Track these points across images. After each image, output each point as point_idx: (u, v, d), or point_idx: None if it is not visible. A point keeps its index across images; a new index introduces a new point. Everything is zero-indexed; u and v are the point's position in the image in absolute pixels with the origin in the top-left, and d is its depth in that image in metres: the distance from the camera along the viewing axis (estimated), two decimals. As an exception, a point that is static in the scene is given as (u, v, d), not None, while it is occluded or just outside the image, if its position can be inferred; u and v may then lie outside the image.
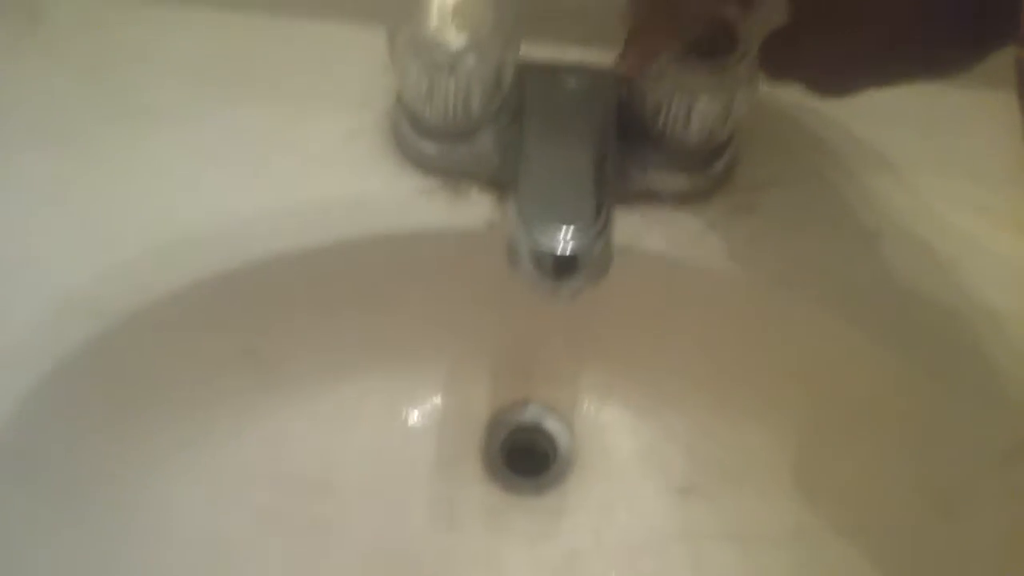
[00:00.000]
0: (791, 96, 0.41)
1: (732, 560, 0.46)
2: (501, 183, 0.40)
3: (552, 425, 0.49)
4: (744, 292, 0.41)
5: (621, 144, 0.39)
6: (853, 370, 0.41)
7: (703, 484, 0.47)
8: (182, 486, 0.43)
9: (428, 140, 0.39)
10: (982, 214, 0.40)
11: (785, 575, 0.45)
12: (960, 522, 0.41)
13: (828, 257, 0.40)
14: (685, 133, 0.37)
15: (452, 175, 0.40)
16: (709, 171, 0.39)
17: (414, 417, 0.48)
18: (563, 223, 0.34)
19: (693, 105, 0.36)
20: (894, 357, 0.40)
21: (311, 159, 0.41)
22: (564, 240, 0.34)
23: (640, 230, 0.41)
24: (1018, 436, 0.37)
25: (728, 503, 0.47)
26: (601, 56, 0.41)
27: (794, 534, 0.45)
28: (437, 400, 0.49)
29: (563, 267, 0.34)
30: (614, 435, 0.49)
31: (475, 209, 0.40)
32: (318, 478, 0.46)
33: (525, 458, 0.49)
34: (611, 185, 0.37)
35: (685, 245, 0.41)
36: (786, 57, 0.30)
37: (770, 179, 0.41)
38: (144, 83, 0.42)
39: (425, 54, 0.35)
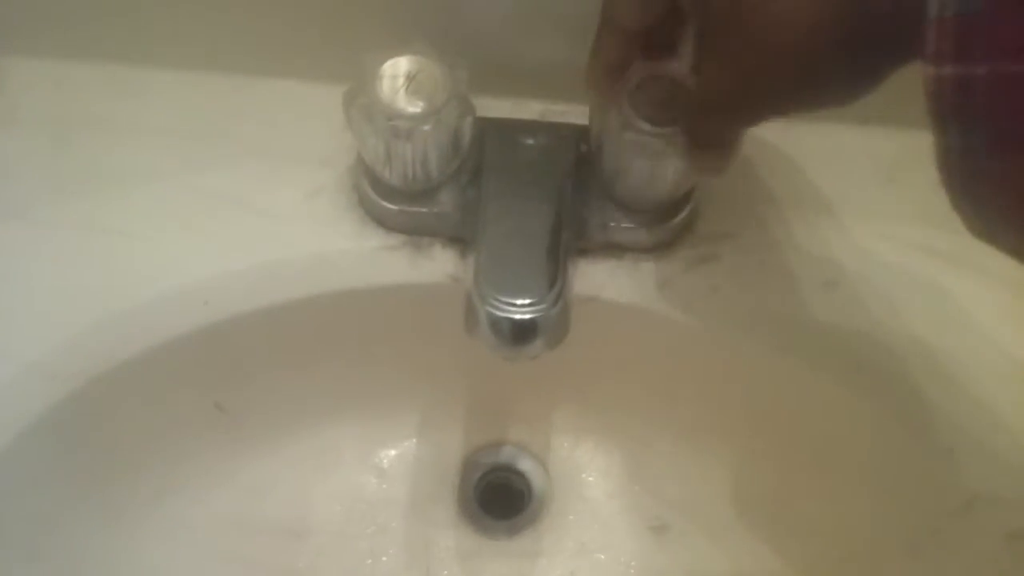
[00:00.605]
0: (746, 150, 0.42)
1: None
2: (463, 239, 0.40)
3: (526, 465, 0.50)
4: (708, 339, 0.42)
5: (582, 198, 0.39)
6: (817, 415, 0.42)
7: (676, 523, 0.48)
8: (153, 541, 0.44)
9: (389, 199, 0.39)
10: (929, 256, 0.41)
11: (759, 610, 0.46)
12: (926, 561, 0.41)
13: (788, 305, 0.40)
14: (644, 191, 0.38)
15: (414, 232, 0.40)
16: (670, 224, 0.40)
17: (387, 462, 0.49)
18: (520, 290, 0.34)
19: (642, 171, 0.36)
20: (857, 402, 0.40)
21: (274, 218, 0.41)
22: (521, 307, 0.34)
23: (604, 281, 0.41)
24: (976, 486, 0.38)
25: (700, 542, 0.47)
26: (561, 112, 0.41)
27: (766, 571, 0.46)
28: (410, 445, 0.49)
29: (521, 333, 0.35)
30: (588, 475, 0.49)
31: (437, 265, 0.40)
32: (291, 526, 0.47)
33: (500, 499, 0.49)
34: (570, 244, 0.37)
35: (648, 295, 0.41)
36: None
37: (729, 230, 0.41)
38: (106, 146, 0.42)
39: (380, 122, 0.35)
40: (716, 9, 0.27)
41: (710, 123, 0.31)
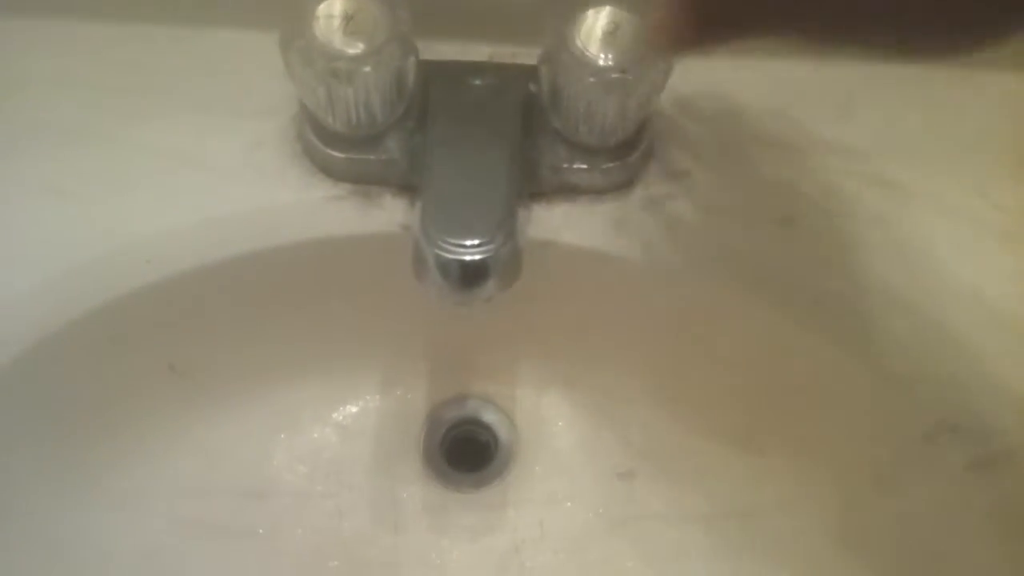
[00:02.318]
0: (700, 87, 0.41)
1: (676, 540, 0.46)
2: (413, 187, 0.39)
3: (491, 417, 0.49)
4: (666, 280, 0.41)
5: (533, 141, 0.38)
6: (778, 353, 0.41)
7: (642, 468, 0.48)
8: (109, 508, 0.43)
9: (335, 147, 0.38)
10: (890, 190, 0.40)
11: (729, 551, 0.46)
12: (892, 494, 0.41)
13: (746, 242, 0.40)
14: (592, 129, 0.37)
15: (362, 181, 0.39)
16: (624, 164, 0.39)
17: (349, 419, 0.48)
18: (468, 231, 0.34)
19: (595, 106, 0.35)
20: (816, 338, 0.40)
21: (217, 172, 0.40)
22: (470, 248, 0.34)
23: (559, 224, 0.40)
24: (937, 415, 0.38)
25: (668, 486, 0.47)
26: (511, 54, 0.40)
27: (734, 512, 0.46)
28: (372, 401, 0.48)
29: (471, 275, 0.34)
30: (553, 425, 0.49)
31: (387, 214, 0.40)
32: (253, 488, 0.46)
33: (466, 452, 0.49)
34: (520, 186, 0.36)
35: (605, 237, 0.40)
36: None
37: (685, 168, 0.41)
38: (37, 103, 0.40)
39: (319, 64, 0.34)
40: None
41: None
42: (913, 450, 0.40)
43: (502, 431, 0.49)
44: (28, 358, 0.38)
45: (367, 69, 0.34)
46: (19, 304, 0.37)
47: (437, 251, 0.33)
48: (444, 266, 0.33)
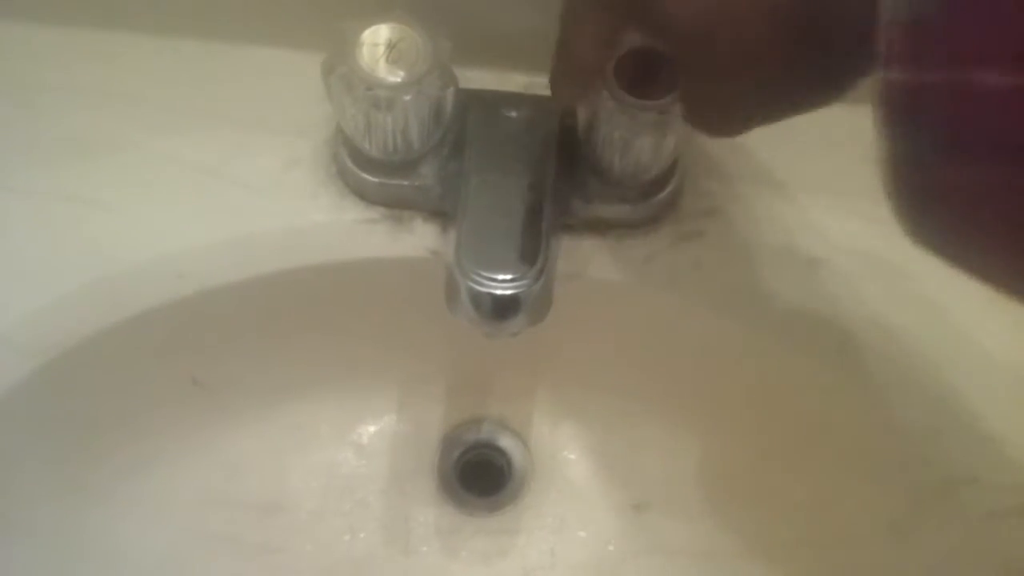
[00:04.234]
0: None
1: (688, 574, 0.46)
2: (444, 213, 0.39)
3: (506, 442, 0.49)
4: (691, 317, 0.41)
5: (565, 173, 0.38)
6: (799, 394, 0.41)
7: (657, 501, 0.48)
8: (129, 513, 0.43)
9: (369, 171, 0.38)
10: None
11: (739, 589, 0.46)
12: (906, 541, 0.41)
13: (771, 283, 0.40)
14: (626, 166, 0.37)
15: (394, 206, 0.39)
16: (654, 200, 0.39)
17: (366, 438, 0.48)
18: (502, 265, 0.34)
19: (632, 142, 0.35)
20: (838, 382, 0.40)
21: (251, 189, 0.40)
22: (503, 282, 0.34)
23: (587, 257, 0.40)
24: (954, 469, 0.38)
25: (682, 519, 0.47)
26: (545, 84, 0.40)
27: (748, 549, 0.46)
28: (389, 421, 0.49)
29: (502, 309, 0.34)
30: (569, 453, 0.49)
31: (418, 239, 0.40)
32: (268, 502, 0.46)
33: (480, 476, 0.49)
34: (552, 220, 0.36)
35: (632, 272, 0.40)
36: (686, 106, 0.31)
37: (714, 206, 0.41)
38: (76, 114, 0.41)
39: (360, 91, 0.34)
40: (678, 32, 0.27)
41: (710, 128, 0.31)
42: (930, 500, 0.40)
43: (516, 456, 0.49)
44: (55, 366, 0.38)
45: (407, 98, 0.35)
46: (50, 313, 0.37)
47: (470, 283, 0.33)
48: (476, 298, 0.33)
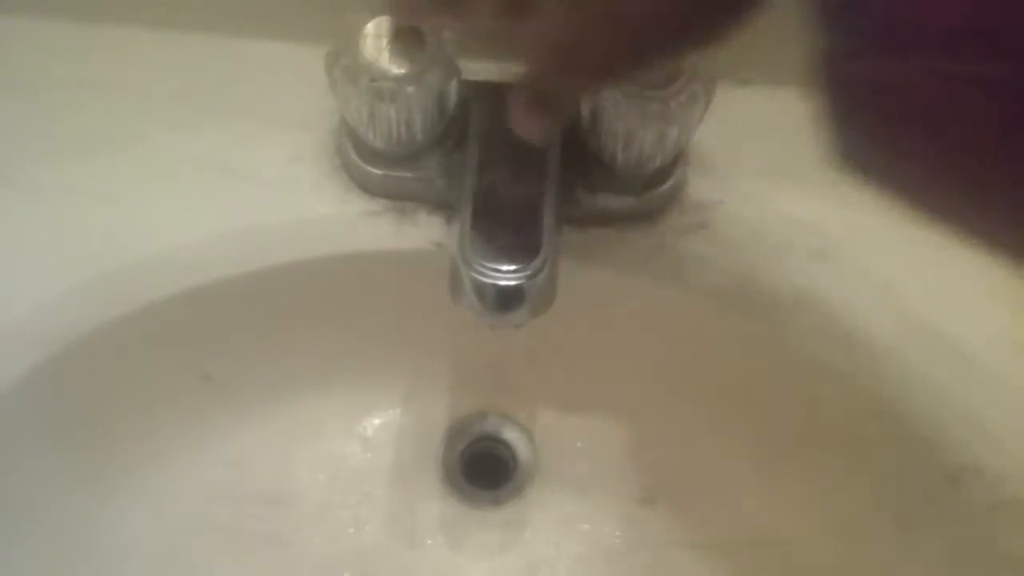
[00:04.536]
0: (736, 116, 0.41)
1: (694, 568, 0.46)
2: (449, 205, 0.39)
3: (511, 434, 0.49)
4: (696, 309, 0.41)
5: (569, 165, 0.38)
6: (806, 387, 0.41)
7: (663, 494, 0.47)
8: (136, 506, 0.43)
9: (373, 163, 0.39)
10: (923, 231, 0.40)
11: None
12: (913, 532, 0.41)
13: (777, 275, 0.40)
14: (629, 157, 0.37)
15: (398, 198, 0.40)
16: (657, 191, 0.39)
17: (371, 431, 0.48)
18: (506, 256, 0.34)
19: (635, 133, 0.35)
20: (845, 375, 0.40)
21: (256, 182, 0.40)
22: (507, 273, 0.34)
23: (591, 249, 0.40)
24: (961, 460, 0.37)
25: (688, 513, 0.47)
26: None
27: (753, 542, 0.46)
28: (394, 413, 0.49)
29: (506, 300, 0.34)
30: (574, 446, 0.49)
31: (422, 231, 0.40)
32: (275, 495, 0.46)
33: (485, 469, 0.49)
34: (557, 211, 0.36)
35: (636, 264, 0.40)
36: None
37: (719, 198, 0.41)
38: (84, 108, 0.41)
39: (363, 83, 0.34)
40: None
41: (563, 78, 0.29)
42: (937, 492, 0.39)
43: (521, 449, 0.49)
44: (63, 359, 0.38)
45: (410, 89, 0.35)
46: (58, 305, 0.38)
47: (474, 274, 0.33)
48: (480, 289, 0.33)
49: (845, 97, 0.20)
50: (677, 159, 0.39)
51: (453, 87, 0.36)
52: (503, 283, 0.34)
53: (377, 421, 0.48)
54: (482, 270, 0.34)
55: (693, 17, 0.25)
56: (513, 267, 0.34)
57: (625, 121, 0.36)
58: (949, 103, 0.18)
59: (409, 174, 0.39)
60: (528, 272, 0.33)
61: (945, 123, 0.18)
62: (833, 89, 0.20)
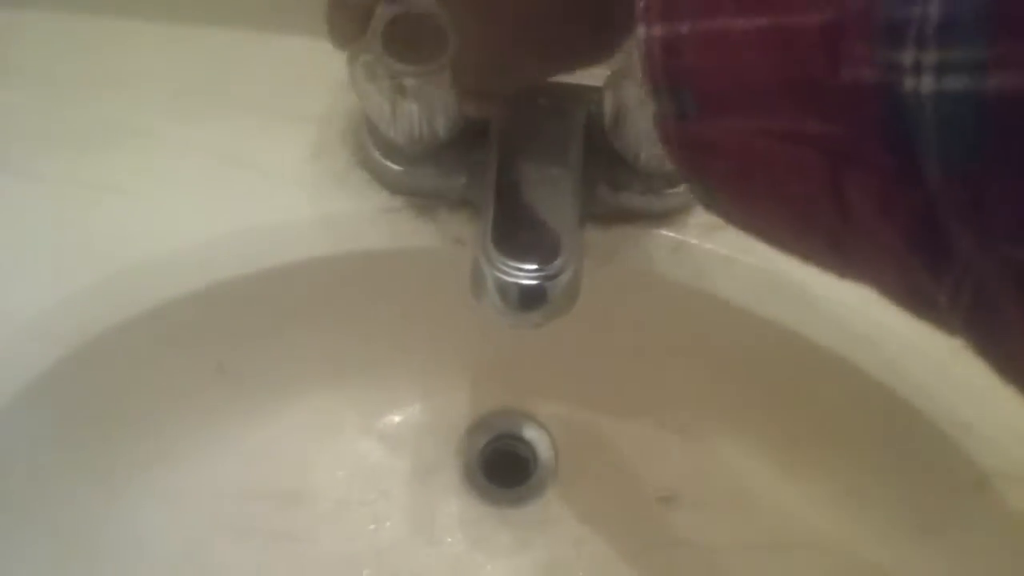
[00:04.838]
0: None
1: (714, 569, 0.46)
2: (470, 202, 0.39)
3: (532, 434, 0.49)
4: (720, 309, 0.40)
5: (592, 162, 0.38)
6: (830, 390, 0.41)
7: (684, 495, 0.47)
8: (152, 502, 0.43)
9: (393, 159, 0.38)
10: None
11: (766, 583, 0.45)
12: (938, 538, 0.41)
13: (804, 276, 0.39)
14: (653, 155, 0.36)
15: (419, 194, 0.39)
16: (681, 190, 0.38)
17: (391, 428, 0.48)
18: (529, 255, 0.33)
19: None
20: (870, 378, 0.39)
21: (275, 177, 0.40)
22: (530, 273, 0.33)
23: (614, 247, 0.40)
24: (988, 465, 0.37)
25: (710, 514, 0.46)
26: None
27: (774, 545, 0.45)
28: (414, 411, 0.48)
29: (529, 299, 0.33)
30: (595, 444, 0.48)
31: (442, 228, 0.39)
32: (292, 492, 0.46)
33: (505, 467, 0.48)
34: (580, 210, 0.36)
35: (660, 262, 0.40)
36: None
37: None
38: (101, 101, 0.41)
39: (383, 80, 0.34)
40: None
41: (477, 82, 0.32)
42: (962, 499, 0.39)
43: (542, 448, 0.49)
44: (78, 356, 0.38)
45: (432, 86, 0.34)
46: (73, 303, 0.37)
47: (497, 273, 0.33)
48: (503, 288, 0.33)
49: (683, 158, 0.21)
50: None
51: (475, 82, 0.36)
52: (526, 282, 0.33)
53: (396, 418, 0.48)
54: (505, 269, 0.33)
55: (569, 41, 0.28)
56: (536, 266, 0.33)
57: (649, 120, 0.35)
58: (768, 159, 0.19)
59: (430, 171, 0.38)
60: (551, 271, 0.33)
61: (768, 177, 0.19)
62: (671, 150, 0.21)
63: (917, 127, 0.15)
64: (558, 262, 0.33)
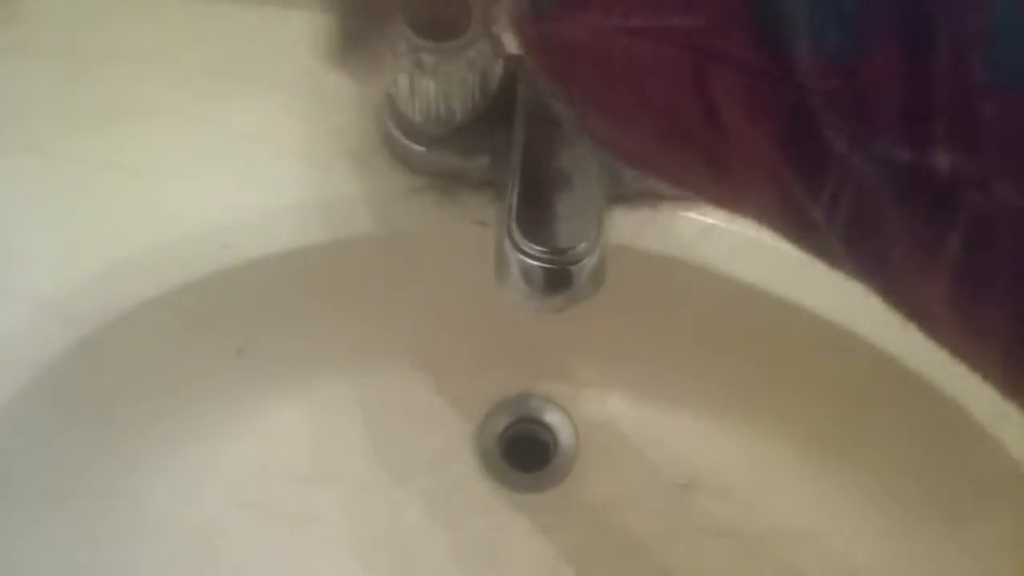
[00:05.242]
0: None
1: (735, 556, 0.45)
2: (492, 184, 0.38)
3: (552, 417, 0.48)
4: (746, 294, 0.40)
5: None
6: (858, 378, 0.40)
7: (706, 481, 0.46)
8: (170, 486, 0.43)
9: (415, 139, 0.37)
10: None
11: (788, 572, 0.44)
12: (966, 531, 0.40)
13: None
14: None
15: (441, 175, 0.38)
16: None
17: (410, 410, 0.48)
18: (554, 238, 0.33)
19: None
20: (900, 367, 0.38)
21: (296, 157, 0.39)
22: (555, 256, 0.32)
23: (638, 230, 0.39)
24: (1015, 455, 0.36)
25: (732, 501, 0.46)
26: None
27: (797, 534, 0.45)
28: (434, 393, 0.48)
29: (554, 283, 0.33)
30: (616, 429, 0.48)
31: (465, 209, 0.39)
32: (311, 472, 0.46)
33: (525, 451, 0.48)
34: (606, 191, 0.35)
35: (684, 245, 0.39)
36: None
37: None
38: (125, 79, 0.40)
39: (404, 56, 0.33)
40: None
41: None
42: (990, 489, 0.38)
43: (563, 432, 0.48)
44: (100, 336, 0.38)
45: (453, 63, 0.33)
46: (95, 282, 0.37)
47: (521, 256, 0.32)
48: (528, 272, 0.32)
49: (544, 64, 0.20)
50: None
51: (499, 62, 0.35)
52: (551, 266, 0.32)
53: (416, 400, 0.48)
54: (530, 252, 0.32)
55: None
56: (562, 249, 0.32)
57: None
58: (629, 61, 0.17)
59: (452, 151, 0.37)
60: (577, 255, 0.32)
61: (630, 83, 0.18)
62: (533, 55, 0.20)
63: (786, 5, 0.14)
64: (584, 245, 0.32)
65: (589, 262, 0.32)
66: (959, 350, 0.16)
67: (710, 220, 0.39)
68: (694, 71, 0.16)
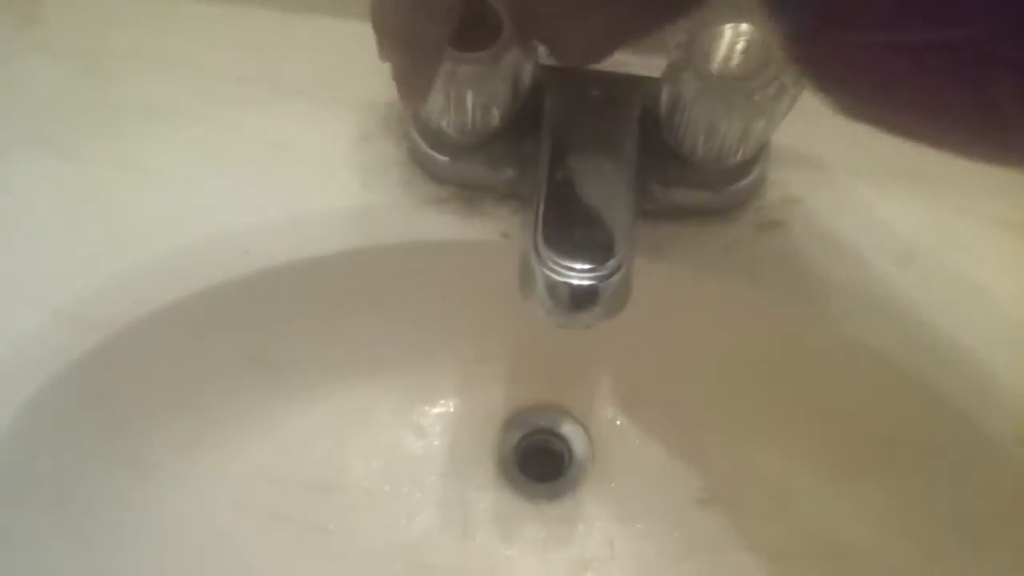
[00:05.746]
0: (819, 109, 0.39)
1: (751, 574, 0.45)
2: (517, 195, 0.38)
3: (568, 429, 0.48)
4: (769, 311, 0.39)
5: (644, 156, 0.37)
6: (881, 396, 0.39)
7: (723, 496, 0.46)
8: (183, 493, 0.43)
9: (440, 149, 0.37)
10: (1014, 232, 0.38)
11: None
12: (989, 550, 0.40)
13: (857, 279, 0.38)
14: (710, 150, 0.35)
15: (465, 185, 0.38)
16: (736, 187, 0.37)
17: (426, 420, 0.48)
18: (581, 253, 0.32)
19: (718, 126, 0.34)
20: (923, 385, 0.38)
21: (319, 164, 0.39)
22: (582, 272, 0.32)
23: (666, 244, 0.39)
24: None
25: (749, 517, 0.45)
26: (621, 62, 0.39)
27: (815, 551, 0.44)
28: (450, 404, 0.48)
29: (580, 300, 0.33)
30: (633, 442, 0.48)
31: (489, 221, 0.38)
32: (325, 482, 0.45)
33: (540, 462, 0.48)
34: (634, 207, 0.34)
35: (709, 261, 0.39)
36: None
37: (799, 195, 0.39)
38: (145, 81, 0.40)
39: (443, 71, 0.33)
40: None
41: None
42: (1012, 506, 0.38)
43: (578, 443, 0.48)
44: (116, 341, 0.37)
45: (484, 73, 0.33)
46: (113, 287, 0.37)
47: (547, 272, 0.32)
48: (553, 288, 0.32)
49: (817, 78, 0.21)
50: (759, 154, 0.37)
51: (528, 71, 0.35)
52: (577, 282, 0.32)
53: (432, 410, 0.47)
54: (556, 268, 0.32)
55: None
56: (588, 266, 0.32)
57: (708, 113, 0.34)
58: (906, 70, 0.19)
59: (478, 161, 0.37)
60: (604, 272, 0.32)
61: (910, 83, 0.20)
62: (805, 72, 0.21)
63: None
64: (612, 262, 0.32)
65: (616, 279, 0.32)
66: None
67: (736, 235, 0.38)
68: (975, 73, 0.18)
